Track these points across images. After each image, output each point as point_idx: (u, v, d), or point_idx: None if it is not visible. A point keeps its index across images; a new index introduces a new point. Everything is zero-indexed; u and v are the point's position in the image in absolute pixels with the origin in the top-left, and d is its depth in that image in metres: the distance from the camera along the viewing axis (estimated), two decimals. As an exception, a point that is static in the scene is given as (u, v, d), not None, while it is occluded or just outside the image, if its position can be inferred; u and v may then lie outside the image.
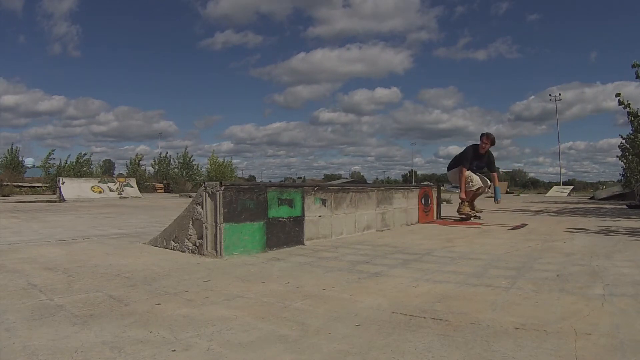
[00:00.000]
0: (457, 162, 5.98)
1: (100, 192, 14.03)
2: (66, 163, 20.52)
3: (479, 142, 5.90)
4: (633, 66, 7.23)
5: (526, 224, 5.42)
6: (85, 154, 21.49)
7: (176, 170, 25.31)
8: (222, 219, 2.84)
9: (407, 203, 5.31)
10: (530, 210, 8.86)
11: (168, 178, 24.57)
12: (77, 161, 20.79)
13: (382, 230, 4.62)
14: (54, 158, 21.14)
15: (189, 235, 3.02)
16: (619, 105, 7.98)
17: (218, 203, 2.85)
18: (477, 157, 5.89)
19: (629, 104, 8.00)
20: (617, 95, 7.99)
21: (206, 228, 2.91)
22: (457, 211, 5.90)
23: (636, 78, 7.28)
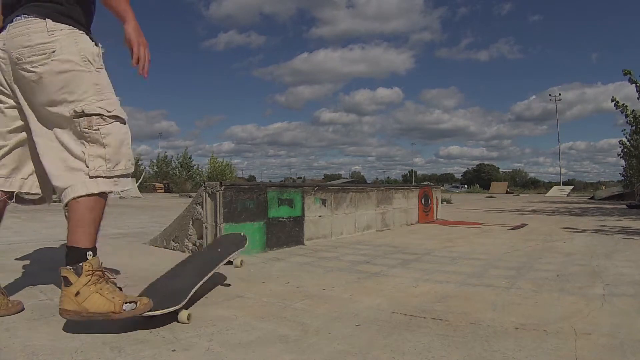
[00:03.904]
0: None
1: (100, 192, 14.02)
2: None
3: None
4: (625, 74, 7.28)
5: (526, 224, 5.42)
6: None
7: (176, 170, 25.31)
8: (222, 219, 2.84)
9: (407, 203, 5.31)
10: (530, 210, 8.86)
11: (168, 178, 24.57)
12: None
13: (382, 230, 4.62)
14: None
15: (189, 235, 3.02)
16: (616, 109, 8.02)
17: (218, 203, 2.85)
18: None
19: (626, 106, 8.03)
20: (613, 99, 8.03)
21: (206, 228, 2.91)
22: None
23: (630, 83, 7.32)
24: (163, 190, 22.20)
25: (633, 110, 8.12)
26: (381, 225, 4.70)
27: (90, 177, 1.39)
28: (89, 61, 1.42)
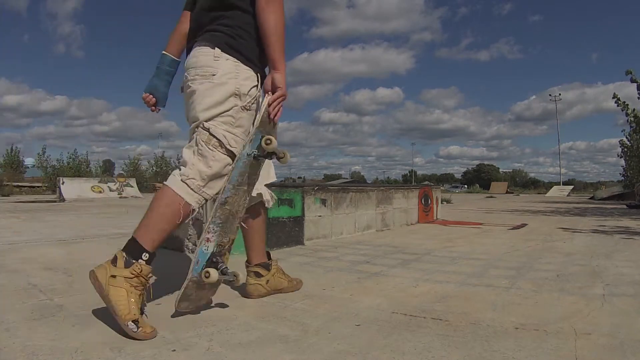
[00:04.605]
0: None
1: (100, 192, 14.03)
2: (59, 161, 20.58)
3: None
4: (627, 73, 7.28)
5: (526, 224, 5.42)
6: (75, 150, 21.60)
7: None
8: (222, 219, 2.84)
9: (407, 203, 5.31)
10: (530, 210, 8.86)
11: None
12: (72, 159, 20.80)
13: (382, 230, 4.62)
14: (48, 155, 21.22)
15: (189, 235, 3.02)
16: (617, 106, 8.02)
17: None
18: None
19: (627, 104, 8.03)
20: (615, 97, 8.03)
21: (206, 228, 2.91)
22: None
23: (631, 82, 7.32)
24: (163, 190, 22.15)
25: (634, 109, 8.11)
26: (381, 225, 4.70)
27: (182, 180, 1.48)
28: (239, 95, 1.51)
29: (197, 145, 1.50)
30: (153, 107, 1.74)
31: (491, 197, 20.72)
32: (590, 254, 2.97)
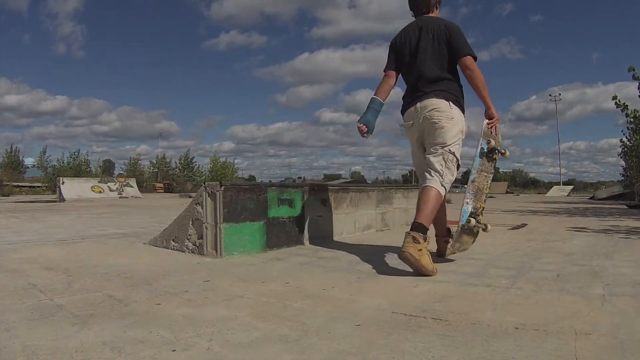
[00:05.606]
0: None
1: (100, 192, 14.04)
2: (60, 162, 20.63)
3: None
4: (629, 70, 7.27)
5: (526, 224, 5.42)
6: (78, 150, 21.64)
7: (177, 171, 25.41)
8: (222, 219, 2.84)
9: (407, 203, 5.30)
10: (530, 210, 8.86)
11: (168, 178, 24.61)
12: (73, 159, 20.83)
13: (382, 230, 4.62)
14: (49, 155, 21.28)
15: (189, 235, 3.02)
16: (617, 107, 8.03)
17: (218, 203, 2.85)
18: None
19: (627, 105, 8.04)
20: (614, 98, 8.04)
21: (206, 228, 2.91)
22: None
23: (633, 79, 7.31)
24: (163, 190, 22.21)
25: (634, 110, 8.12)
26: (381, 225, 4.70)
27: (441, 184, 2.43)
28: (462, 132, 2.54)
29: (444, 161, 2.47)
30: (365, 134, 2.57)
31: (491, 197, 20.67)
32: (590, 254, 2.97)
